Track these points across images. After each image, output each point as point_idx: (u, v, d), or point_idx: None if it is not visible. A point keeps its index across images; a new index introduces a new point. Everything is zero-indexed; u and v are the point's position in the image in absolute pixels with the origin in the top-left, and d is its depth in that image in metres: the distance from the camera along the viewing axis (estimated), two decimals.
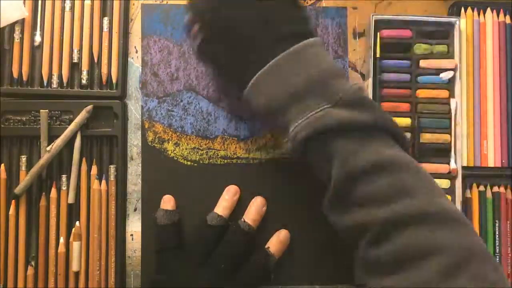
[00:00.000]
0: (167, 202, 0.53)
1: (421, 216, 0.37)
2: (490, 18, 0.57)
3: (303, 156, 0.43)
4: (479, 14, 0.58)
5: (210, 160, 0.55)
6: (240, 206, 0.54)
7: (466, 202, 0.56)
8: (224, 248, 0.50)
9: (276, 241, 0.53)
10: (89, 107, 0.53)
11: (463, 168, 0.56)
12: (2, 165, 0.53)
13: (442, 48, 0.57)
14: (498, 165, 0.56)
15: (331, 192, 0.41)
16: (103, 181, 0.54)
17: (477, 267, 0.36)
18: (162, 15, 0.57)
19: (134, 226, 0.55)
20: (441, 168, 0.56)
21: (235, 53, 0.43)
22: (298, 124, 0.40)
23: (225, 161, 0.56)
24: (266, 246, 0.52)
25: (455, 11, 0.58)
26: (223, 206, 0.53)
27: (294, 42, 0.41)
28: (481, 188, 0.56)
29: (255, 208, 0.53)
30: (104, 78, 0.55)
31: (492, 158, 0.56)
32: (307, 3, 0.58)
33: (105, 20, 0.55)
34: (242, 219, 0.52)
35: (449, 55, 0.57)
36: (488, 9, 0.57)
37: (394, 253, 0.37)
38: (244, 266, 0.50)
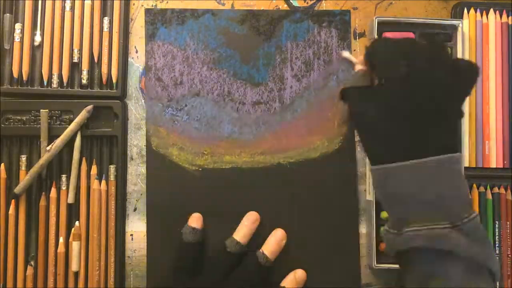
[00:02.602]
0: (195, 220, 0.52)
1: None
2: (493, 19, 0.56)
3: (398, 254, 0.43)
4: (482, 15, 0.56)
5: (215, 165, 0.54)
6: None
7: None
8: (237, 279, 0.48)
9: (292, 281, 0.51)
10: (89, 107, 0.52)
11: (465, 168, 0.54)
12: (2, 164, 0.51)
13: None
14: (500, 166, 0.55)
15: None
16: (103, 181, 0.52)
17: None
18: (165, 20, 0.55)
19: (134, 226, 0.53)
20: None
21: (388, 125, 0.42)
22: (418, 230, 0.40)
23: (230, 165, 0.54)
24: (282, 285, 0.50)
25: (458, 12, 0.56)
26: (242, 233, 0.51)
27: (444, 149, 0.41)
28: (481, 189, 0.55)
29: (274, 240, 0.51)
30: (104, 78, 0.53)
31: (494, 159, 0.55)
32: (307, 3, 0.56)
33: (105, 20, 0.53)
34: (261, 251, 0.50)
35: None
36: (491, 10, 0.56)
37: None
38: None
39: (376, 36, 0.54)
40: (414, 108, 0.41)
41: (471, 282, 0.40)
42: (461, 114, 0.44)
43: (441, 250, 0.39)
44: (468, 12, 0.56)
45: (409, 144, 0.41)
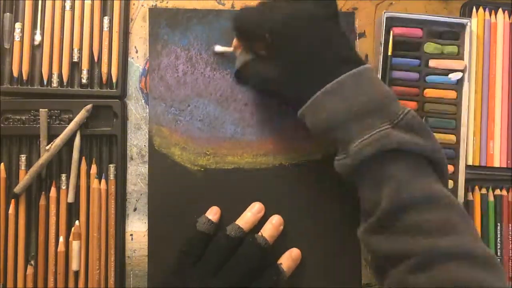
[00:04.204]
0: (213, 213, 0.50)
1: (465, 254, 0.37)
2: (501, 19, 0.54)
3: (352, 175, 0.42)
4: (490, 14, 0.54)
5: (217, 165, 0.52)
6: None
7: (468, 205, 0.53)
8: (238, 261, 0.47)
9: (288, 258, 0.50)
10: (89, 106, 0.50)
11: (468, 167, 0.53)
12: (2, 164, 0.50)
13: (452, 48, 0.53)
14: (504, 165, 0.53)
15: (377, 216, 0.40)
16: (103, 180, 0.51)
17: None
18: (169, 20, 0.53)
19: (134, 226, 0.52)
20: None
21: (294, 70, 0.43)
22: (363, 140, 0.40)
23: (232, 166, 0.52)
24: (279, 262, 0.49)
25: (467, 11, 0.54)
26: (245, 220, 0.50)
27: (353, 66, 0.41)
28: (483, 191, 0.54)
29: (273, 225, 0.50)
30: (104, 78, 0.52)
31: (498, 159, 0.53)
32: None
33: (105, 20, 0.52)
34: (260, 233, 0.49)
35: (459, 56, 0.53)
36: (500, 10, 0.54)
37: (435, 283, 0.37)
38: (256, 281, 0.47)
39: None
40: (304, 50, 0.42)
41: (419, 178, 0.40)
42: (345, 35, 0.44)
43: (387, 154, 0.39)
44: (477, 11, 0.54)
45: (319, 76, 0.42)
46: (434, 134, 0.51)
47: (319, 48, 0.42)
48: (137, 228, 0.52)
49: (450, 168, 0.52)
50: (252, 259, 0.47)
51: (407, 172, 0.39)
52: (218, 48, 0.52)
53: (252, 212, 0.50)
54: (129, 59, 0.53)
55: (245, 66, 0.47)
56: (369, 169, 0.41)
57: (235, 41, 0.48)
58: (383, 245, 0.40)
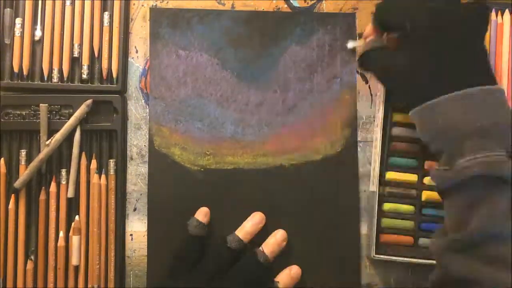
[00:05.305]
0: (203, 214, 0.50)
1: None
2: (508, 20, 0.52)
3: (448, 189, 0.40)
4: (497, 15, 0.53)
5: (217, 165, 0.52)
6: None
7: None
8: (235, 276, 0.46)
9: (287, 276, 0.49)
10: (89, 101, 0.50)
11: None
12: (2, 159, 0.50)
13: None
14: None
15: (463, 236, 0.39)
16: (103, 176, 0.51)
17: None
18: (170, 20, 0.53)
19: (134, 226, 0.52)
20: None
21: (425, 66, 0.41)
22: (475, 158, 0.38)
23: (232, 166, 0.52)
24: (276, 280, 0.48)
25: None
26: (245, 231, 0.49)
27: (487, 82, 0.40)
28: None
29: (275, 240, 0.49)
30: (104, 73, 0.51)
31: None
32: (307, 3, 0.53)
33: (106, 15, 0.51)
34: (261, 249, 0.48)
35: None
36: (507, 11, 0.52)
37: None
38: None
39: None
40: (443, 49, 0.41)
41: None
42: (486, 52, 0.43)
43: (490, 179, 0.38)
44: None
45: (449, 79, 0.40)
46: None
47: (459, 52, 0.40)
48: (137, 228, 0.52)
49: None
50: (250, 275, 0.47)
51: (505, 202, 0.37)
52: (351, 44, 0.52)
53: (253, 223, 0.49)
54: (129, 59, 0.52)
55: (372, 52, 0.46)
56: (469, 188, 0.39)
57: (368, 29, 0.47)
58: (462, 267, 0.38)
